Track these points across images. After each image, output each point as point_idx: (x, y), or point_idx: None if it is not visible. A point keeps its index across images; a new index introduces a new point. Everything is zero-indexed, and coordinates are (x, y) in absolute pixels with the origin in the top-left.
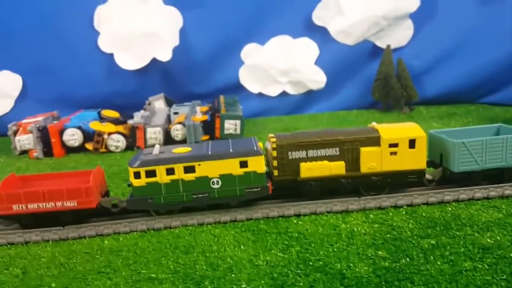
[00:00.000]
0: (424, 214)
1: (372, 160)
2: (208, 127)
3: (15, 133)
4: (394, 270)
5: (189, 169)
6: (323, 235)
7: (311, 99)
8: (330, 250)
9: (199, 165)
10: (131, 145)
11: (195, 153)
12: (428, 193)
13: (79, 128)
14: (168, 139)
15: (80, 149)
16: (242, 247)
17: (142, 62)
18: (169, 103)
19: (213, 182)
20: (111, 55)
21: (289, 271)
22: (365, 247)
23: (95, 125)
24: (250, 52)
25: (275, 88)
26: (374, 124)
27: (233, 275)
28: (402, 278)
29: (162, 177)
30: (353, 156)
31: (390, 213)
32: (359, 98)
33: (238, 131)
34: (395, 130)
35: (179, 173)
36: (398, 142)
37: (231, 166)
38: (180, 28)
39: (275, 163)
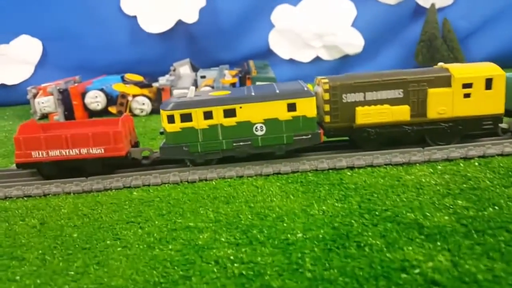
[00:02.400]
0: (501, 165)
1: (441, 104)
2: None
3: (34, 96)
4: (483, 219)
5: (229, 113)
6: (385, 186)
7: (347, 64)
8: (398, 200)
9: (240, 108)
10: (156, 109)
11: (236, 95)
12: (503, 142)
13: (102, 90)
14: None
15: (104, 112)
16: (292, 197)
17: (167, 24)
18: (194, 70)
19: (256, 128)
20: (135, 17)
21: (352, 221)
22: (439, 197)
23: (119, 87)
24: (281, 14)
25: (308, 53)
26: (441, 64)
27: (285, 224)
28: (494, 227)
29: (199, 121)
30: (419, 99)
31: (461, 164)
32: (400, 62)
33: None
34: (469, 69)
35: (218, 117)
36: (473, 81)
37: (278, 110)
38: None
39: (326, 107)
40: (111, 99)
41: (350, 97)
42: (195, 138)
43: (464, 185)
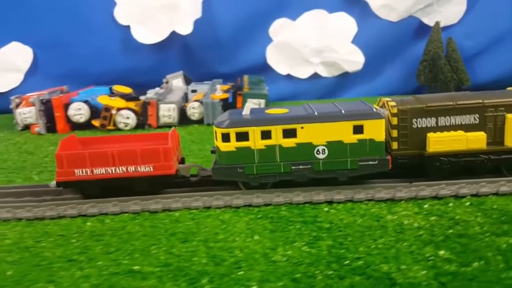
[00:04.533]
0: (495, 206)
1: None
2: (229, 107)
3: (17, 106)
4: (464, 277)
5: (289, 133)
6: (363, 227)
7: (346, 82)
8: (373, 246)
9: (302, 128)
10: (141, 123)
11: (296, 113)
12: (499, 180)
13: (86, 102)
14: (184, 118)
15: (87, 125)
16: (257, 236)
17: (160, 35)
18: (188, 82)
19: (318, 150)
20: (128, 27)
21: (317, 271)
22: (420, 245)
23: (103, 99)
24: (280, 28)
25: (306, 69)
26: None
27: (240, 273)
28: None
29: (256, 141)
30: (496, 126)
31: (451, 204)
32: (401, 82)
33: None
34: None
35: (277, 138)
36: None
37: (342, 131)
38: None
39: (394, 133)
40: (95, 112)
41: (421, 122)
42: (251, 159)
43: (450, 231)
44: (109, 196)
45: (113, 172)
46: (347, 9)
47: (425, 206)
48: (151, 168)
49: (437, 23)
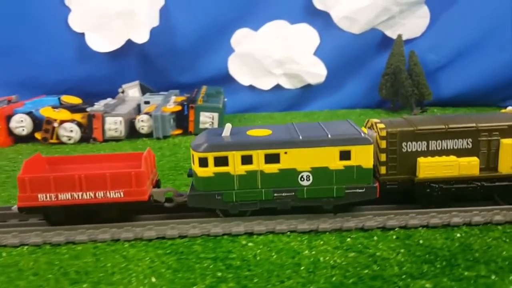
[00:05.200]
0: (421, 242)
1: None
2: (183, 120)
3: None
4: None
5: (272, 158)
6: (274, 265)
7: (309, 95)
8: None
9: (285, 153)
10: (86, 136)
11: (280, 136)
12: (430, 212)
13: (29, 114)
14: (133, 132)
15: (30, 138)
16: (156, 278)
17: (115, 43)
18: (146, 92)
19: (302, 177)
20: (82, 35)
21: None
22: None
23: (45, 111)
24: (242, 39)
25: (268, 80)
26: (510, 108)
27: None
28: None
29: (236, 166)
30: (490, 151)
31: (375, 237)
32: (364, 95)
33: (216, 126)
34: None
35: (259, 163)
36: None
37: (328, 157)
38: (160, 7)
39: (383, 157)
40: (39, 124)
41: (411, 146)
42: (230, 186)
43: (366, 271)
44: (77, 223)
45: (80, 197)
46: (309, 20)
47: (348, 239)
48: (122, 193)
49: (399, 36)
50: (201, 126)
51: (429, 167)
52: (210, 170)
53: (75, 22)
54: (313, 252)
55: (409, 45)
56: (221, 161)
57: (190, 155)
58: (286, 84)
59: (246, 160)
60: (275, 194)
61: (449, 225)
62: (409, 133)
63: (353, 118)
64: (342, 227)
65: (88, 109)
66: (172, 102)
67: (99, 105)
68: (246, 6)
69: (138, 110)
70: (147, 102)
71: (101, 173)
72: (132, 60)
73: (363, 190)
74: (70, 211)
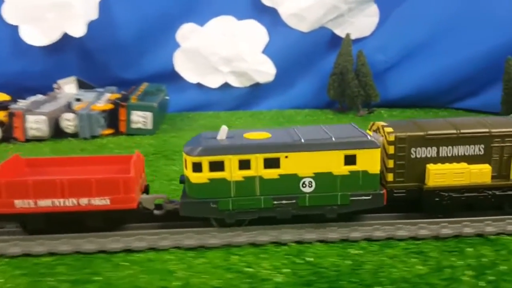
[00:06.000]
0: (311, 259)
1: None
2: (115, 119)
3: None
4: None
5: (271, 163)
6: None
7: (258, 94)
8: None
9: (286, 157)
10: (6, 136)
11: (280, 139)
12: (326, 226)
13: None
14: (57, 131)
15: None
16: None
17: (51, 37)
18: (85, 88)
19: (304, 183)
20: (16, 27)
21: None
22: None
23: None
24: (187, 34)
25: (216, 78)
26: None
27: None
28: None
29: (232, 172)
30: (502, 158)
31: (263, 255)
32: (314, 95)
33: (150, 126)
34: None
35: (257, 168)
36: None
37: (332, 162)
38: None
39: (390, 163)
40: None
41: (420, 152)
42: (226, 193)
43: None
44: (58, 232)
45: (61, 204)
46: (257, 16)
47: (235, 257)
48: (108, 201)
49: (348, 35)
50: (133, 126)
51: (440, 175)
52: (205, 175)
53: (9, 14)
54: (189, 273)
55: (358, 45)
56: (217, 166)
57: (183, 159)
58: (235, 82)
59: (244, 164)
60: (275, 202)
61: (347, 240)
62: (419, 138)
63: (299, 119)
64: (231, 243)
65: (10, 107)
66: (104, 100)
67: (23, 103)
68: (192, 0)
69: (68, 107)
70: (78, 100)
71: (86, 179)
72: (70, 55)
73: (370, 197)
74: (51, 219)
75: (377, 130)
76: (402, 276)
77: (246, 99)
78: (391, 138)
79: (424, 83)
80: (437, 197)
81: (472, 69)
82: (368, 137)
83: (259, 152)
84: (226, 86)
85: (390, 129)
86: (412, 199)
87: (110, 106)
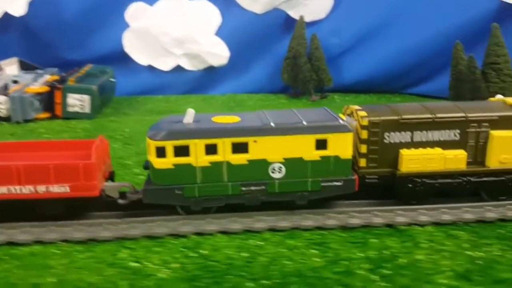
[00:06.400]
0: (205, 252)
1: (505, 150)
2: (52, 102)
3: None
4: None
5: (239, 148)
6: None
7: (212, 77)
8: None
9: (255, 141)
10: None
11: (249, 123)
12: (230, 216)
13: None
14: None
15: None
16: None
17: None
18: (29, 70)
19: (273, 169)
20: None
21: None
22: None
23: None
24: (137, 13)
25: (168, 61)
26: (499, 96)
27: None
28: None
29: (198, 157)
30: (478, 143)
31: (162, 247)
32: (269, 79)
33: (88, 110)
34: None
35: (225, 153)
36: None
37: (303, 147)
38: None
39: (363, 148)
40: None
41: (394, 137)
42: (192, 179)
43: None
44: (17, 220)
45: (18, 191)
46: None
47: (126, 250)
48: (68, 188)
49: (301, 18)
50: (70, 109)
51: (413, 160)
52: (169, 161)
53: None
54: (68, 269)
55: (313, 28)
56: (182, 151)
57: (146, 144)
58: (187, 65)
59: (210, 149)
60: (243, 188)
61: (250, 231)
62: (393, 122)
63: (251, 104)
64: (127, 235)
65: None
66: (41, 82)
67: None
68: None
69: (4, 90)
70: (15, 82)
71: (43, 165)
72: (12, 35)
73: (341, 183)
74: (6, 207)
75: (351, 114)
76: (297, 269)
77: (200, 82)
78: (365, 122)
79: (378, 68)
80: (410, 183)
81: (425, 53)
82: (340, 121)
83: (227, 136)
84: (178, 69)
85: (363, 113)
86: (385, 185)
87: (45, 89)
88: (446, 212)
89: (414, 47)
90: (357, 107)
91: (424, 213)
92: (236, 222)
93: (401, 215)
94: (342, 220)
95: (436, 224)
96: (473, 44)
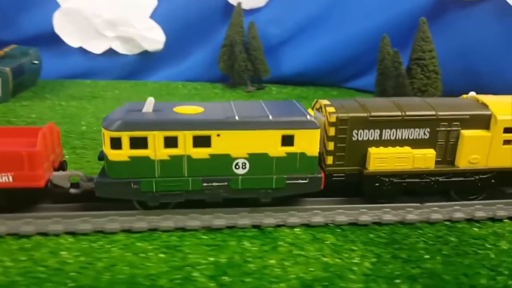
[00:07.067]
0: (38, 256)
1: (475, 150)
2: None
3: None
4: None
5: (201, 141)
6: None
7: (148, 63)
8: None
9: (218, 135)
10: None
11: (213, 116)
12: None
13: None
14: None
15: None
16: None
17: None
18: None
19: (237, 164)
20: None
21: None
22: None
23: None
24: None
25: (100, 43)
26: (472, 94)
27: None
28: None
29: (157, 150)
30: (448, 143)
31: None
32: (207, 67)
33: None
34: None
35: (185, 146)
36: None
37: (268, 142)
38: None
39: (330, 145)
40: None
41: (362, 135)
42: (149, 173)
43: None
44: None
45: None
46: None
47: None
48: (10, 178)
49: (239, 4)
50: None
51: (381, 159)
52: (125, 153)
53: None
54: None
55: (251, 16)
56: (139, 143)
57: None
58: (120, 49)
59: (170, 142)
60: (205, 184)
61: (102, 232)
62: (361, 119)
63: (184, 92)
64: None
65: None
66: None
67: None
68: None
69: None
70: None
71: None
72: None
73: (306, 181)
74: None
75: (319, 109)
76: (131, 275)
77: (134, 68)
78: (333, 119)
79: (317, 60)
80: (377, 182)
81: (361, 46)
82: (308, 116)
83: (188, 129)
84: (111, 52)
85: (332, 109)
86: (352, 183)
87: None
88: (318, 214)
89: (352, 40)
90: (326, 101)
91: (293, 214)
92: (86, 223)
93: (269, 216)
94: (207, 221)
95: (307, 226)
96: (406, 39)
